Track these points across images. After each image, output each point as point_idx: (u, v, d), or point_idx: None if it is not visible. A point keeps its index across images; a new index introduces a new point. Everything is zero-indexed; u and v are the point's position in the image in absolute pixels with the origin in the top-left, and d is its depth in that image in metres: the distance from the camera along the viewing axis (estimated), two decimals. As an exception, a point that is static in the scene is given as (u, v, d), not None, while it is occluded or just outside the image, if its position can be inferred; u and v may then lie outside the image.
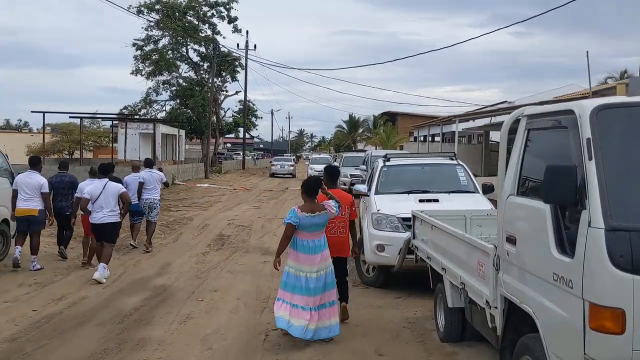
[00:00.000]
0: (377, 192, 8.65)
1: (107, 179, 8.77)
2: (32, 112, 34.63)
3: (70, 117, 38.93)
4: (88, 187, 8.82)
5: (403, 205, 7.92)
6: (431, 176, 9.12)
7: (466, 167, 9.18)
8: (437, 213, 6.53)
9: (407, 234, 7.36)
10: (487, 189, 8.49)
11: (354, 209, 6.59)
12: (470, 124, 30.90)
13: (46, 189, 9.00)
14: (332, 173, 6.82)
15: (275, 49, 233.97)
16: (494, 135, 30.65)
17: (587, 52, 18.32)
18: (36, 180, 8.91)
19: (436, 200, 7.95)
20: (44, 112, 35.11)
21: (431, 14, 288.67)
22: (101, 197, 8.49)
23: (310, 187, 5.89)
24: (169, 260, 10.24)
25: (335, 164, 33.41)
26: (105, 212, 8.48)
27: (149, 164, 11.90)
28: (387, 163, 9.28)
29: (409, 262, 7.33)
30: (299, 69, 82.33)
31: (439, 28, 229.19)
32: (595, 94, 18.16)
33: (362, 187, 8.94)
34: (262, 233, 13.37)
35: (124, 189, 9.08)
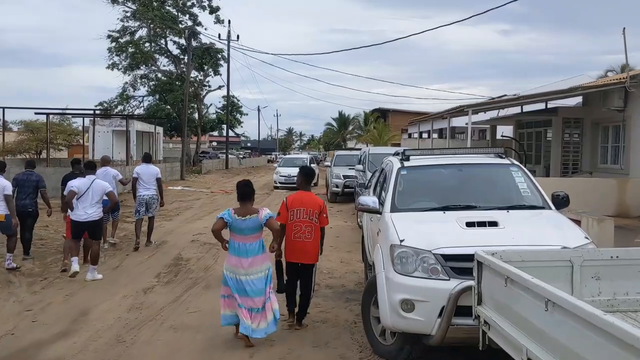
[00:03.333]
0: (394, 209, 5.61)
1: (94, 176, 8.63)
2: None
3: (35, 113, 35.57)
4: (76, 181, 8.59)
5: (441, 231, 4.94)
6: (475, 183, 6.09)
7: (525, 169, 6.16)
8: (513, 255, 3.55)
9: (453, 284, 4.38)
10: (561, 201, 5.56)
11: (324, 215, 6.17)
12: (473, 117, 27.98)
13: (9, 191, 8.76)
14: (307, 174, 6.43)
15: (264, 47, 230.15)
16: (500, 130, 27.78)
17: (624, 28, 15.43)
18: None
19: (494, 224, 4.92)
20: (3, 108, 31.61)
21: (421, 12, 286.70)
22: (88, 193, 8.35)
23: (243, 191, 5.73)
24: (91, 303, 7.17)
25: (326, 163, 30.71)
26: (89, 210, 8.34)
27: (146, 158, 11.51)
28: (406, 163, 6.24)
29: (458, 330, 4.36)
30: (275, 54, 78.94)
31: (427, 26, 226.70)
32: (634, 78, 15.30)
33: (369, 201, 5.86)
34: (234, 254, 10.27)
35: (111, 188, 8.95)
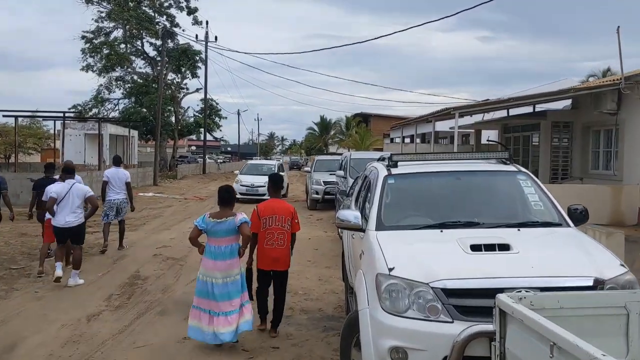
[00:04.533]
0: (380, 226, 4.59)
1: (74, 180, 8.47)
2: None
3: (3, 115, 34.15)
4: (55, 186, 8.39)
5: (440, 257, 3.94)
6: (477, 194, 5.09)
7: (535, 178, 5.18)
8: (548, 300, 2.57)
9: (459, 328, 3.38)
10: (579, 217, 4.64)
11: (296, 221, 6.12)
12: (453, 122, 27.20)
13: None
14: (275, 181, 6.41)
15: (248, 57, 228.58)
16: (485, 135, 27.03)
17: (619, 27, 14.66)
18: None
19: (505, 247, 3.93)
20: (-34, 109, 30.09)
21: (402, 20, 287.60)
22: (67, 198, 8.19)
23: (224, 197, 5.78)
24: (21, 334, 6.04)
25: (306, 168, 28.88)
26: (69, 216, 8.19)
27: (116, 161, 11.24)
28: (393, 170, 5.24)
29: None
30: (251, 54, 77.68)
31: (408, 32, 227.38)
32: (629, 80, 14.53)
33: (350, 215, 4.82)
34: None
35: (91, 192, 8.65)
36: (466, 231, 4.36)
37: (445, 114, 16.88)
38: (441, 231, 4.38)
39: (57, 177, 9.31)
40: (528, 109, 21.11)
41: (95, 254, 10.38)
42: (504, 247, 3.92)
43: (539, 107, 20.78)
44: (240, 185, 20.95)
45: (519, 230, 4.39)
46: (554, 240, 4.38)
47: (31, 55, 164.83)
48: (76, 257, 8.35)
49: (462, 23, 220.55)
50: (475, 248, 3.90)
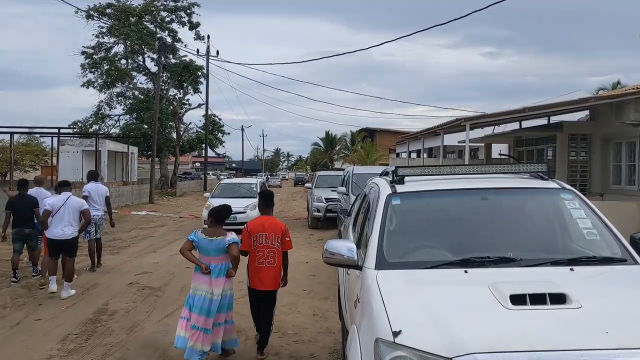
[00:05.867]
0: (382, 264, 3.40)
1: (69, 193, 8.50)
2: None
3: (-1, 132, 33.42)
4: (50, 199, 8.54)
5: (467, 314, 2.74)
6: (510, 219, 3.90)
7: (583, 196, 3.99)
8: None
9: None
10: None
11: (287, 239, 5.78)
12: (462, 135, 26.01)
13: None
14: (266, 197, 6.11)
15: (252, 71, 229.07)
16: (496, 149, 25.87)
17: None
18: None
19: (559, 299, 2.74)
20: (-42, 126, 29.25)
21: (407, 36, 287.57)
22: (62, 211, 8.22)
23: (218, 216, 5.77)
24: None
25: (308, 184, 27.39)
26: (64, 227, 8.21)
27: (94, 176, 10.97)
28: (399, 188, 4.06)
29: None
30: (252, 66, 77.05)
31: (413, 49, 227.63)
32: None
33: (343, 247, 3.64)
34: (178, 304, 7.96)
35: (87, 206, 8.77)
36: (500, 271, 3.18)
37: (454, 125, 15.70)
38: (465, 271, 3.20)
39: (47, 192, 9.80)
40: (542, 121, 19.96)
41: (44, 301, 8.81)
42: (559, 299, 2.73)
43: (554, 119, 19.63)
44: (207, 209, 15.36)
45: (571, 269, 3.20)
46: (624, 285, 3.18)
47: (38, 73, 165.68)
48: (69, 269, 8.37)
49: (467, 40, 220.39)
50: (516, 299, 2.72)
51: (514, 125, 21.86)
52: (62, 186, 8.78)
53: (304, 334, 6.66)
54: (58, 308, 7.72)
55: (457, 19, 14.38)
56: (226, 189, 18.52)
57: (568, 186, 4.06)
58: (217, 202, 13.53)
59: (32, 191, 9.73)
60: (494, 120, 17.17)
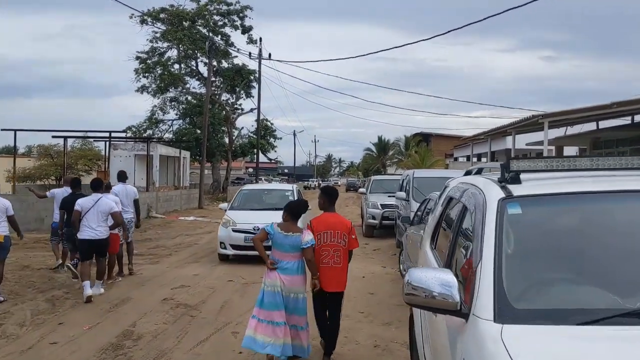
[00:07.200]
0: (506, 312, 2.08)
1: (100, 195, 8.40)
2: (1, 130, 30.71)
3: (52, 136, 33.92)
4: (81, 200, 8.39)
5: None
6: None
7: None
8: None
9: None
10: None
11: (353, 236, 5.57)
12: (530, 137, 24.03)
13: (11, 212, 8.16)
14: (329, 194, 5.70)
15: (305, 75, 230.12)
16: (568, 151, 23.86)
17: None
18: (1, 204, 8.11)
19: None
20: (15, 130, 29.46)
21: (461, 40, 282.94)
22: (91, 212, 8.14)
23: (293, 210, 5.50)
24: None
25: (361, 190, 25.99)
26: (94, 228, 8.13)
27: (123, 177, 10.55)
28: (515, 190, 2.70)
29: None
30: (301, 64, 76.16)
31: (468, 54, 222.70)
32: None
33: (432, 280, 2.33)
34: (214, 327, 6.80)
35: (117, 209, 8.53)
36: None
37: (529, 123, 14.00)
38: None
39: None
40: (624, 121, 17.98)
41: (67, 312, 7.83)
42: None
43: (638, 118, 17.62)
44: (233, 231, 11.52)
45: None
46: None
47: (100, 81, 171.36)
48: (101, 269, 8.46)
49: (524, 44, 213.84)
50: None
51: (590, 126, 19.88)
52: (92, 188, 8.57)
53: (362, 373, 5.37)
54: (79, 328, 6.71)
55: (492, 15, 13.08)
56: (250, 198, 13.46)
57: None
58: (237, 215, 12.14)
59: (60, 191, 10.21)
60: (577, 117, 15.29)
